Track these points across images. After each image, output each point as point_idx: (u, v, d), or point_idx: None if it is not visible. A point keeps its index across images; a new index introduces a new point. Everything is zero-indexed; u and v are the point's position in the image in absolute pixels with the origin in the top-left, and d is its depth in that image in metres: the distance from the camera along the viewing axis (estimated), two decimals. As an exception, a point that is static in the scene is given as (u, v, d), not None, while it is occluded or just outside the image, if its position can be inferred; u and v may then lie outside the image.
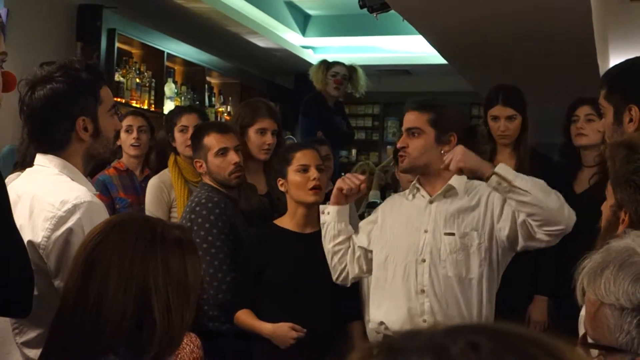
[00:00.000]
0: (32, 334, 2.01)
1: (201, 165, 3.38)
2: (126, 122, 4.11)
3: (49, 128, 2.13)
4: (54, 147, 2.13)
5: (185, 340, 2.38)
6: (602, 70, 5.46)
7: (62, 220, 1.99)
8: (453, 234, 2.71)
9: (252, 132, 3.56)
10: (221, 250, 3.21)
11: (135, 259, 1.59)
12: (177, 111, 4.20)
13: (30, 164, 2.25)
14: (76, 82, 2.10)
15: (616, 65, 2.45)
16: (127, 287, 1.57)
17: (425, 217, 2.76)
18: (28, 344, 2.01)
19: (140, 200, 4.02)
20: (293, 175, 3.10)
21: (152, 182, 3.89)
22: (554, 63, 5.49)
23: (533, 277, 3.59)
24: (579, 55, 4.90)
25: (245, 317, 3.09)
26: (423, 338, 0.67)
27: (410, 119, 2.81)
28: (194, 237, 3.12)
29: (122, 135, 4.09)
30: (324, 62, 5.93)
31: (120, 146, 4.12)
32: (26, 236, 2.00)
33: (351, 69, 5.99)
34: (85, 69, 2.12)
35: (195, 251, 1.71)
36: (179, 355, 2.40)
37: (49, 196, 2.03)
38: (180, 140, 3.93)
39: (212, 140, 3.35)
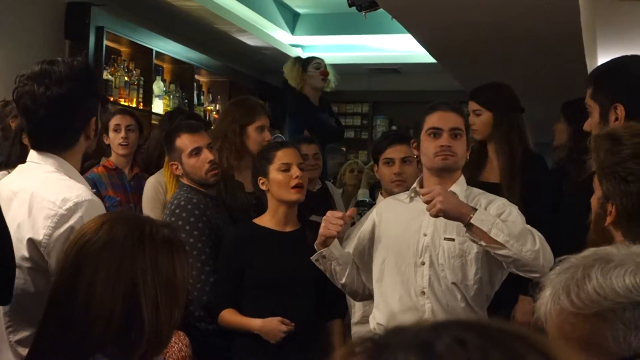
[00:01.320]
0: (25, 333, 2.01)
1: (177, 167, 3.36)
2: (114, 121, 4.09)
3: (62, 127, 2.12)
4: (60, 146, 2.13)
5: (173, 339, 2.38)
6: (590, 70, 5.48)
7: (63, 218, 1.99)
8: (453, 240, 2.70)
9: (251, 130, 3.56)
10: (203, 252, 3.20)
11: (123, 258, 1.59)
12: (178, 112, 4.24)
13: (14, 163, 2.25)
14: (93, 83, 2.12)
15: (601, 65, 2.46)
16: (115, 286, 1.57)
17: (425, 220, 2.72)
18: (22, 342, 2.01)
19: (129, 199, 4.01)
20: (275, 173, 3.09)
21: (149, 182, 3.88)
22: (542, 62, 5.51)
23: (518, 278, 3.58)
24: (567, 55, 4.92)
25: (230, 316, 3.09)
26: (409, 334, 0.66)
27: (452, 119, 2.73)
28: None
29: (111, 134, 4.07)
30: (298, 60, 5.87)
31: (109, 145, 4.11)
32: (26, 234, 2.00)
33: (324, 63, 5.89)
34: (90, 69, 2.14)
35: (183, 250, 1.71)
36: (168, 354, 2.39)
37: (49, 194, 2.03)
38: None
39: (184, 141, 3.34)
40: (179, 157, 3.34)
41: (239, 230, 3.22)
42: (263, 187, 3.14)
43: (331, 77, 5.87)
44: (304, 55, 6.91)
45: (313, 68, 5.70)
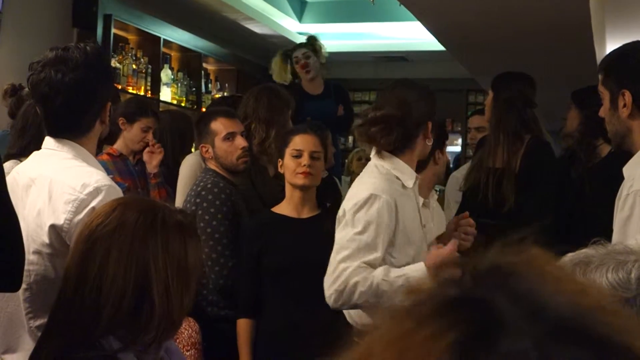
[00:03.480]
0: (45, 319, 2.01)
1: (207, 150, 3.38)
2: (148, 123, 4.07)
3: (80, 113, 2.14)
4: (77, 132, 2.14)
5: (183, 325, 2.40)
6: (598, 57, 5.46)
7: (84, 203, 2.00)
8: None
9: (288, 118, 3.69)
10: (224, 236, 3.21)
11: (135, 240, 1.60)
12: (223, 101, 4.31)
13: (25, 153, 2.26)
14: (107, 68, 2.14)
15: (612, 51, 2.46)
16: (126, 267, 1.58)
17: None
18: (41, 328, 2.01)
19: (137, 184, 4.02)
20: (288, 158, 3.11)
21: (190, 159, 3.89)
22: (551, 49, 5.49)
23: None
24: (575, 41, 4.90)
25: (243, 332, 3.10)
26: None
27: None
28: (197, 222, 3.15)
29: (137, 130, 4.06)
30: (281, 54, 5.73)
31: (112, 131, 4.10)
32: (47, 220, 2.01)
33: (311, 40, 5.74)
34: (103, 55, 2.15)
35: (196, 236, 1.71)
36: (178, 340, 2.41)
37: (69, 179, 2.04)
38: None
39: (219, 125, 3.37)
40: (212, 140, 3.36)
41: (256, 219, 3.24)
42: (281, 170, 3.16)
43: (323, 48, 5.67)
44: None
45: (294, 60, 5.59)
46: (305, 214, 3.15)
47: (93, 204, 2.00)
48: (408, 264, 2.50)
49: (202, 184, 3.31)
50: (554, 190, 3.56)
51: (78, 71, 2.07)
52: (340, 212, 2.59)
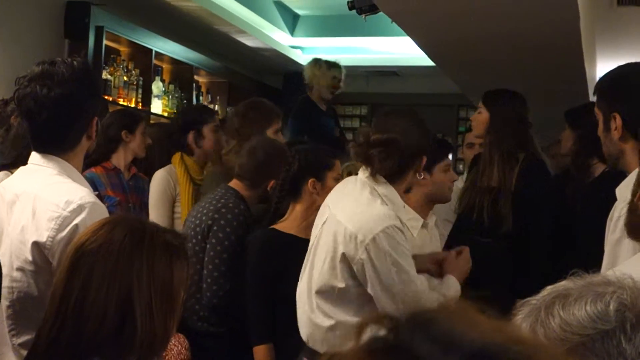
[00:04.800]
0: (28, 336, 2.00)
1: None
2: (143, 127, 4.11)
3: (65, 128, 2.12)
4: (62, 147, 2.13)
5: (173, 341, 2.38)
6: (589, 75, 5.49)
7: (67, 220, 1.99)
8: None
9: (270, 133, 3.63)
10: (231, 258, 3.17)
11: (119, 260, 1.59)
12: (211, 111, 4.29)
13: (14, 164, 2.25)
14: (94, 83, 2.12)
15: (605, 74, 2.48)
16: (109, 287, 1.56)
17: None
18: (24, 345, 2.00)
19: (128, 199, 4.01)
20: (332, 182, 2.99)
21: (160, 175, 3.91)
22: (541, 67, 5.52)
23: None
24: (566, 60, 4.93)
25: (263, 354, 2.98)
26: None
27: None
28: (210, 236, 3.12)
29: (140, 137, 4.06)
30: (325, 62, 5.71)
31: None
32: (30, 237, 2.00)
33: (338, 65, 5.80)
34: (91, 70, 2.14)
35: (185, 257, 1.69)
36: (167, 356, 2.39)
37: (53, 196, 2.03)
38: (213, 139, 3.98)
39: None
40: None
41: (265, 240, 3.08)
42: (312, 189, 3.02)
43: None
44: (304, 57, 6.88)
45: (330, 77, 5.58)
46: (308, 233, 3.09)
47: (76, 221, 1.98)
48: None
49: (223, 200, 3.26)
50: (551, 209, 3.57)
51: (64, 86, 2.06)
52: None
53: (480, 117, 3.70)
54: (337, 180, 2.99)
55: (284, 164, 3.12)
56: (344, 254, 2.50)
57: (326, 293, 2.55)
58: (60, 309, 1.59)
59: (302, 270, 2.67)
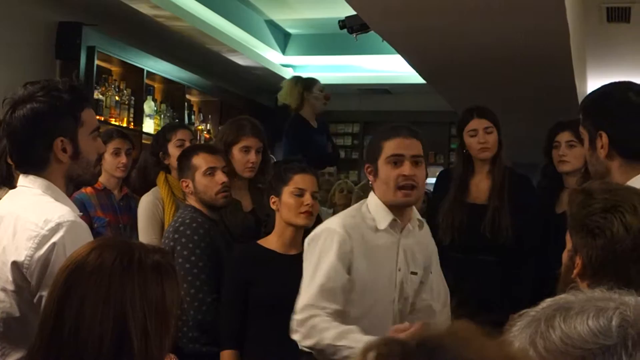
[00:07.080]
0: (17, 355, 1.99)
1: (187, 185, 3.38)
2: (115, 144, 4.07)
3: (27, 148, 2.12)
4: (34, 167, 2.12)
5: (164, 363, 2.36)
6: (579, 91, 5.52)
7: (45, 239, 1.98)
8: (416, 273, 2.72)
9: (236, 150, 3.57)
10: (203, 271, 3.19)
11: (112, 283, 1.58)
12: (171, 127, 4.22)
13: (6, 180, 2.25)
14: (56, 102, 2.09)
15: (590, 93, 2.49)
16: (103, 312, 1.56)
17: (398, 253, 2.69)
18: None
19: (118, 220, 4.00)
20: (287, 196, 3.05)
21: (146, 199, 3.87)
22: (532, 84, 5.55)
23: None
24: (557, 77, 4.95)
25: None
26: None
27: (414, 146, 2.61)
28: (176, 257, 3.12)
29: (109, 157, 4.05)
30: (299, 79, 5.59)
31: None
32: (10, 256, 1.99)
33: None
34: (68, 90, 2.11)
35: (174, 276, 1.69)
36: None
37: (32, 216, 2.02)
38: (177, 155, 3.95)
39: (200, 160, 3.36)
40: (193, 174, 3.36)
41: (243, 251, 3.19)
42: (273, 206, 3.11)
43: None
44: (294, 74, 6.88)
45: (317, 90, 5.46)
46: (293, 250, 3.12)
47: (54, 239, 1.97)
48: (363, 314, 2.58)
49: (180, 219, 3.30)
50: (541, 220, 3.59)
51: (24, 106, 2.07)
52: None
53: (495, 137, 3.64)
54: (296, 195, 3.03)
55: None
56: None
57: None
58: (54, 335, 1.58)
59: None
